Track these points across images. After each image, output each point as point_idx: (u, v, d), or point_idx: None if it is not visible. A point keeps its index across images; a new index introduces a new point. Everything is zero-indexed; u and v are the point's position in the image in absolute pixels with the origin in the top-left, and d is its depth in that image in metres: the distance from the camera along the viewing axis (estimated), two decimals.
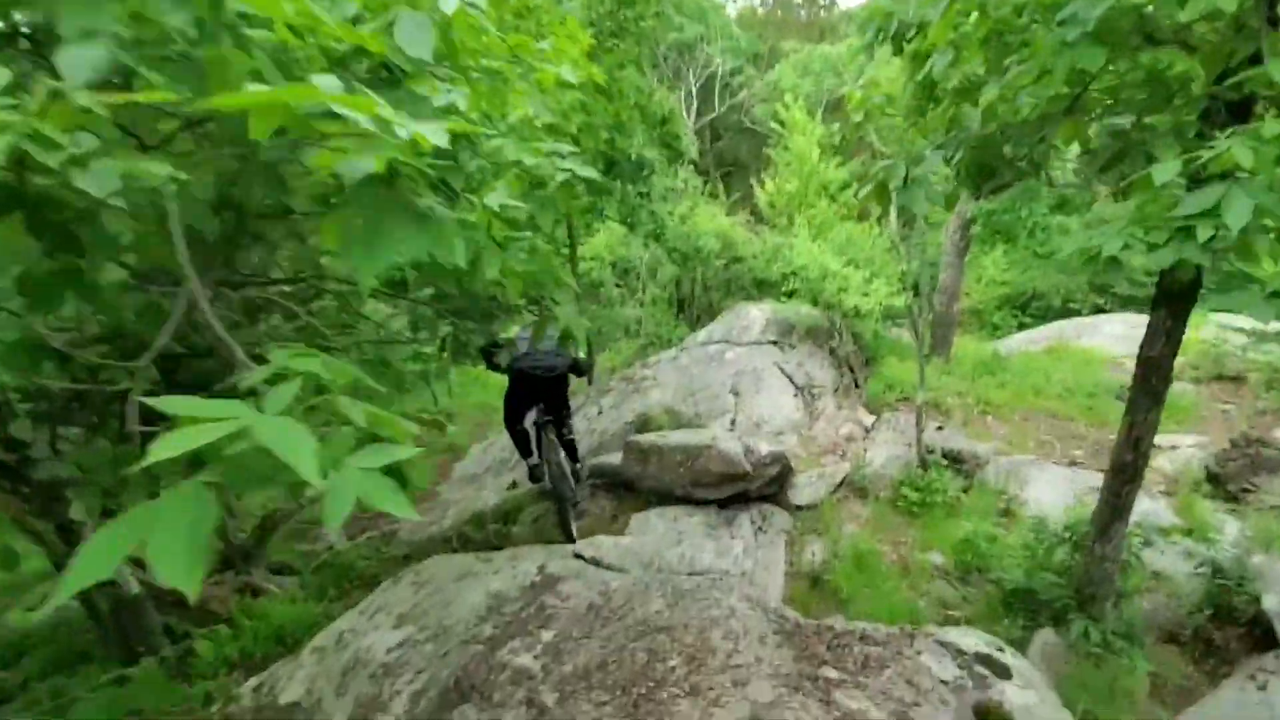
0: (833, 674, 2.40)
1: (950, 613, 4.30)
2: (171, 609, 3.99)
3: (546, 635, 2.84)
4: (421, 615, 3.22)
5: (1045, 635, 3.86)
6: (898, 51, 2.93)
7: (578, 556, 3.61)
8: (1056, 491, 5.72)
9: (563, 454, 4.65)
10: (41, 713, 3.56)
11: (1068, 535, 3.94)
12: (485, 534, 4.74)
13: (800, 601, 4.33)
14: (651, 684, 2.34)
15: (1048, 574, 3.96)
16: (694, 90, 19.82)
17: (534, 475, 4.54)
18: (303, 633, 3.92)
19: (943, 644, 2.94)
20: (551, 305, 1.68)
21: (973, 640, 3.00)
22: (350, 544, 5.08)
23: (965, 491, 5.74)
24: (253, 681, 3.30)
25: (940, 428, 6.30)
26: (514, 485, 5.39)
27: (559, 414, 4.80)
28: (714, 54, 19.71)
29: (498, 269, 1.61)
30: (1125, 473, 3.32)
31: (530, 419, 4.68)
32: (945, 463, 5.73)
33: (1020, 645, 3.92)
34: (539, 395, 4.54)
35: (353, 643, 3.22)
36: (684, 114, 16.78)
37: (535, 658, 2.69)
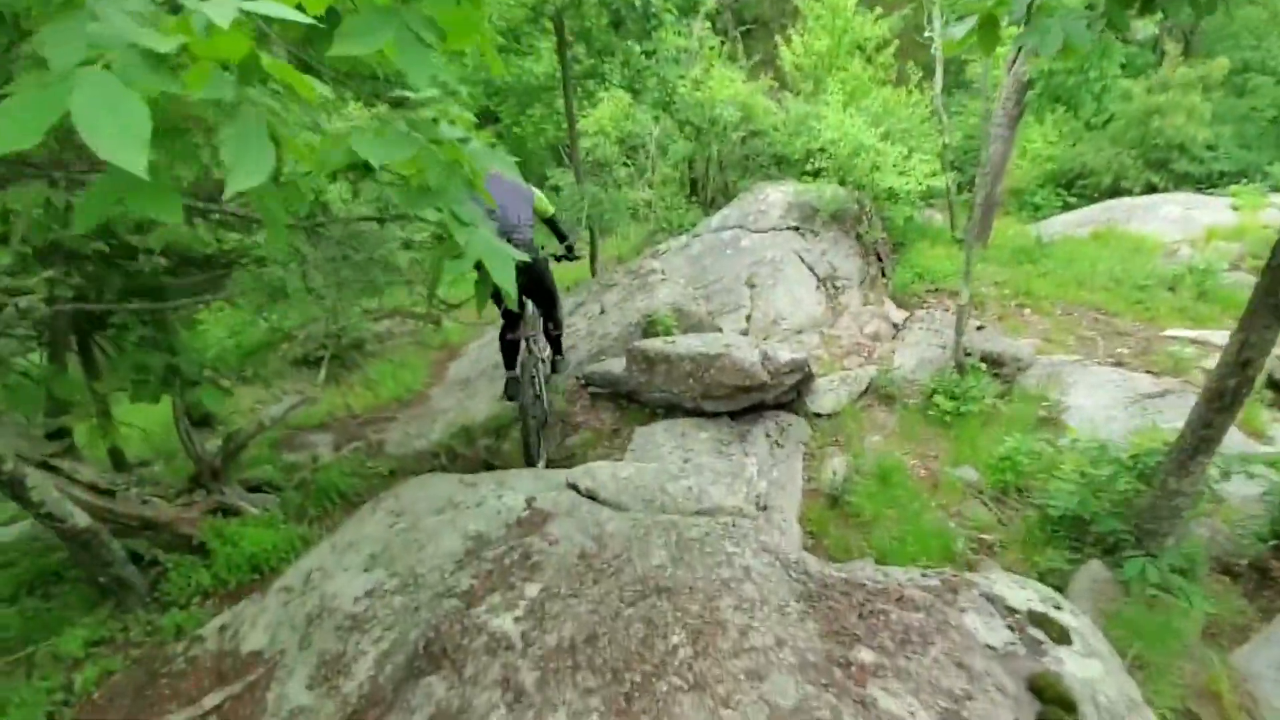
0: (867, 657, 1.99)
1: (984, 537, 3.93)
2: (138, 533, 3.69)
3: (530, 590, 2.46)
4: (394, 558, 2.85)
5: (1094, 569, 3.47)
6: None
7: (571, 487, 3.19)
8: (1101, 397, 5.20)
9: (544, 369, 4.16)
10: (10, 642, 3.37)
11: (1133, 464, 3.45)
12: (475, 450, 4.36)
13: (818, 523, 3.97)
14: (649, 669, 1.94)
15: (1104, 503, 3.53)
16: None
17: (509, 391, 4.03)
18: (278, 559, 3.64)
19: (989, 598, 2.53)
20: (453, 224, 1.10)
21: (1025, 594, 2.59)
22: (335, 456, 4.73)
23: (1002, 398, 5.23)
24: (218, 621, 3.02)
25: (980, 327, 5.69)
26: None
27: (546, 307, 4.25)
28: None
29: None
30: (1224, 399, 2.76)
31: (522, 329, 4.11)
32: (983, 367, 5.18)
33: (1063, 578, 3.56)
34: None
35: (320, 585, 2.88)
36: None
37: (516, 620, 2.31)
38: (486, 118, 11.53)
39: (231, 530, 3.76)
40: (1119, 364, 6.06)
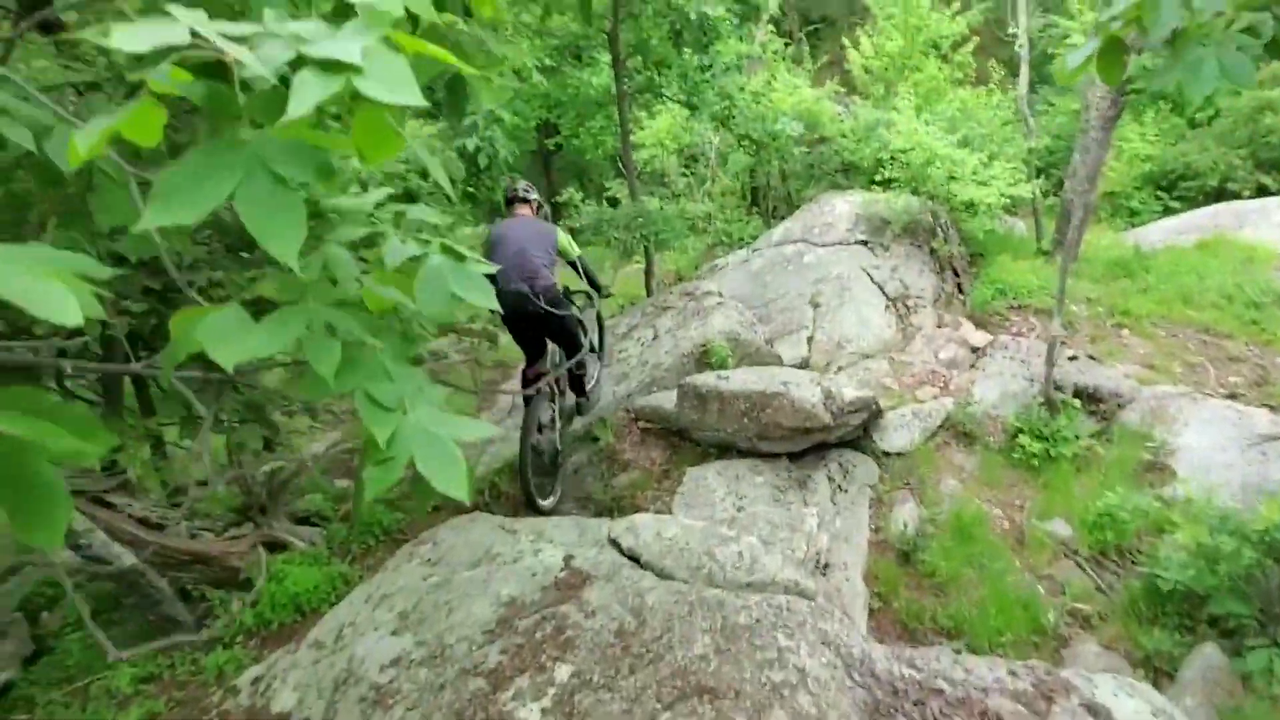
0: None
1: (1080, 607, 3.47)
2: (189, 566, 3.72)
3: (561, 673, 2.25)
4: (424, 619, 2.71)
5: (1208, 655, 2.99)
6: None
7: (613, 544, 2.97)
8: (1214, 437, 4.57)
9: (558, 407, 4.14)
10: (71, 670, 3.44)
11: (1260, 538, 2.95)
12: (519, 486, 4.20)
13: (887, 582, 3.61)
14: None
15: (1223, 578, 3.03)
16: None
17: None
18: (320, 600, 3.59)
19: (1091, 710, 2.15)
20: (368, 412, 0.87)
21: (1133, 705, 2.20)
22: (361, 515, 4.68)
23: (1099, 437, 4.69)
24: (253, 672, 2.96)
25: (1073, 357, 5.14)
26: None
27: (567, 349, 4.10)
28: None
29: None
30: None
31: (538, 367, 4.07)
32: (1076, 403, 4.65)
33: (1172, 662, 3.09)
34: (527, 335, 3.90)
35: (350, 643, 2.77)
36: None
37: (543, 713, 2.10)
38: (547, 130, 11.55)
39: (277, 567, 3.75)
40: (1232, 395, 5.38)
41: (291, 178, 0.73)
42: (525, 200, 4.05)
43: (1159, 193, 11.81)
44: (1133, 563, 3.64)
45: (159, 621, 3.47)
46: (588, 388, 4.41)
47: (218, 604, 3.56)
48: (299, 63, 0.68)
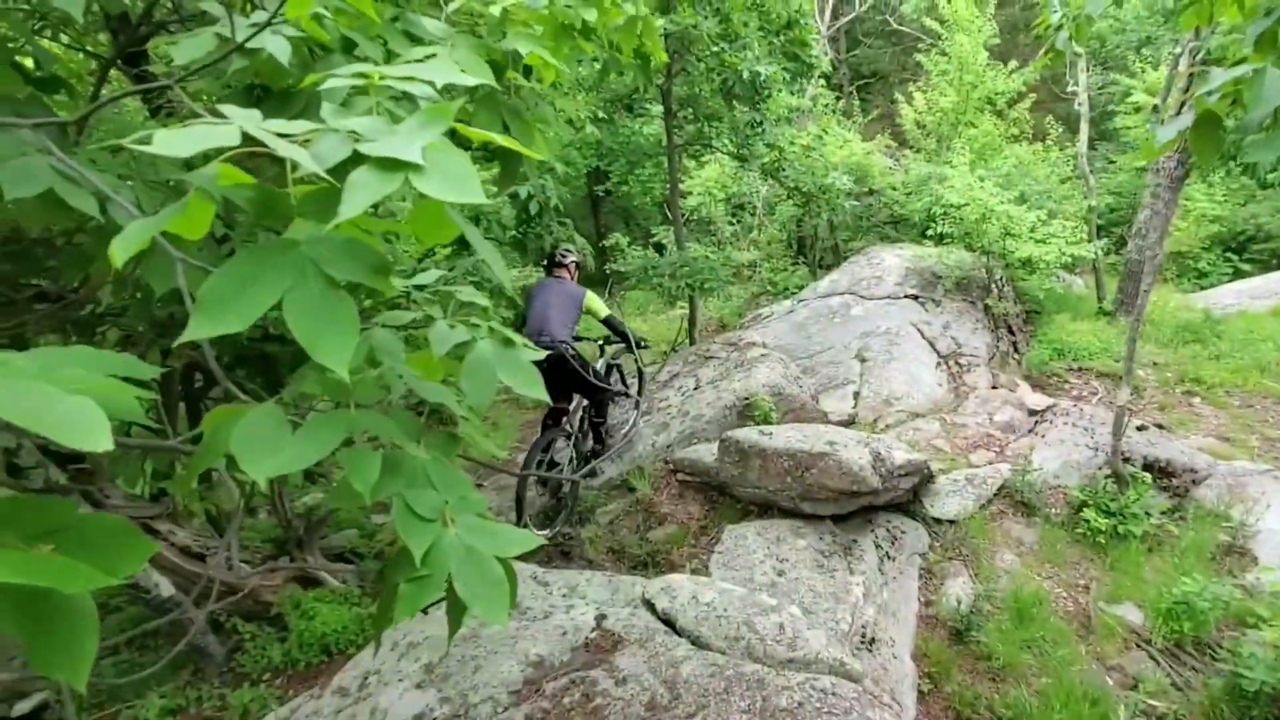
0: None
1: (1153, 704, 3.16)
2: (223, 598, 3.73)
3: None
4: (449, 675, 2.62)
5: None
6: None
7: (647, 605, 2.85)
8: None
9: (571, 449, 4.40)
10: (102, 696, 3.45)
11: None
12: (553, 535, 4.13)
13: (938, 663, 3.36)
14: None
15: None
16: None
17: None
18: (347, 641, 3.55)
19: None
20: (406, 523, 0.84)
21: None
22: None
23: (1172, 514, 4.36)
24: (278, 714, 2.91)
25: (1142, 427, 4.84)
26: (591, 472, 4.72)
27: (590, 401, 4.54)
28: None
29: None
30: None
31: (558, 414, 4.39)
32: (1146, 477, 4.35)
33: None
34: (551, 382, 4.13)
35: (374, 694, 2.70)
36: (815, 15, 14.60)
37: None
38: (597, 176, 11.81)
39: (308, 604, 3.72)
40: None
41: (343, 279, 0.70)
42: (562, 264, 4.49)
43: (1228, 254, 11.31)
44: (1212, 658, 3.32)
45: (189, 651, 3.46)
46: (606, 437, 4.76)
47: (249, 638, 3.55)
48: (356, 159, 0.66)
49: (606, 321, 4.45)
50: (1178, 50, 7.22)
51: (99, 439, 0.56)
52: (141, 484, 3.59)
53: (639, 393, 5.20)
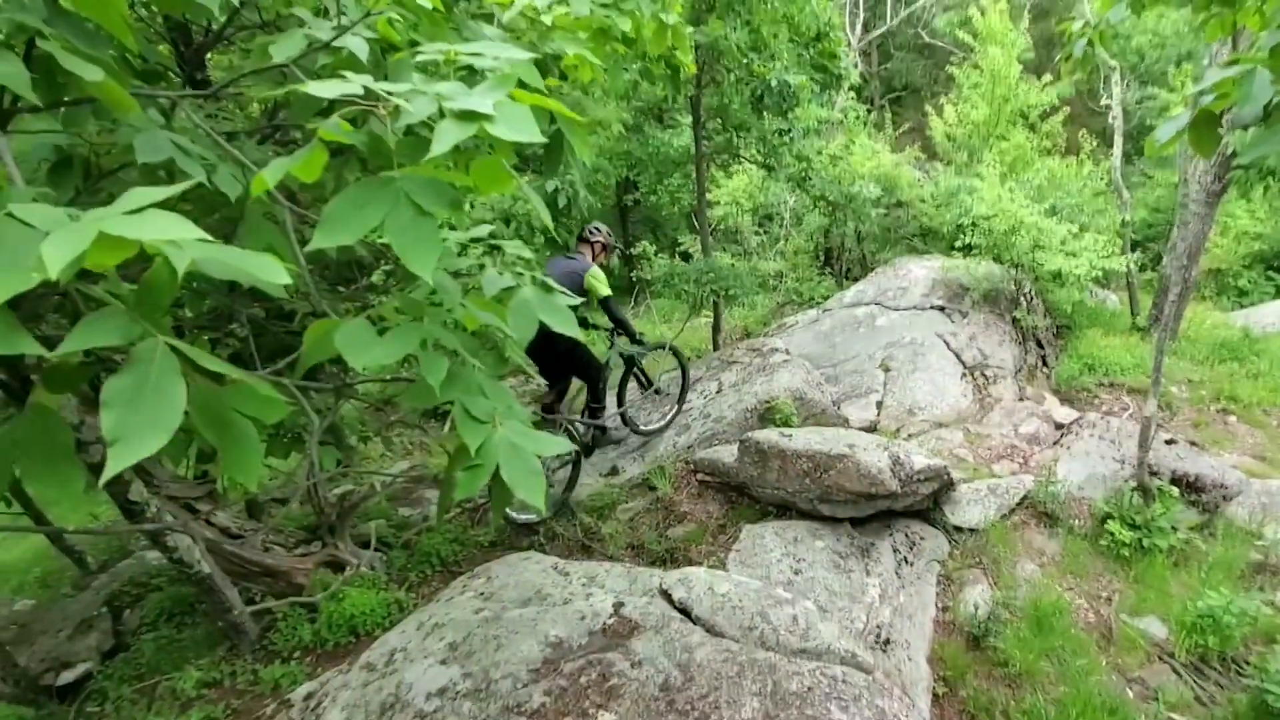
0: None
1: (1173, 715, 3.13)
2: (258, 579, 3.89)
3: None
4: (472, 652, 2.72)
5: None
6: None
7: (664, 595, 2.92)
8: None
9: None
10: (142, 669, 3.62)
11: None
12: (575, 529, 4.22)
13: (954, 667, 3.37)
14: None
15: None
16: None
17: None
18: (374, 624, 3.67)
19: None
20: (464, 423, 0.97)
21: None
22: (441, 521, 4.80)
23: (1200, 531, 4.30)
24: (307, 688, 3.03)
25: (1171, 440, 4.77)
26: (613, 470, 4.81)
27: (586, 383, 4.52)
28: None
29: None
30: None
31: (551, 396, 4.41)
32: (1174, 491, 4.29)
33: None
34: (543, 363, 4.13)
35: (400, 669, 2.81)
36: (846, 27, 14.63)
37: None
38: (625, 186, 11.98)
39: (337, 587, 3.86)
40: None
41: (428, 208, 0.85)
42: (585, 240, 4.44)
43: (1270, 273, 11.02)
44: (1238, 673, 3.27)
45: (224, 628, 3.62)
46: (608, 426, 4.72)
47: (281, 618, 3.69)
48: (439, 115, 0.83)
49: (604, 303, 4.27)
50: (1205, 62, 7.13)
51: (280, 276, 0.78)
52: (185, 465, 3.78)
53: (682, 391, 5.18)
